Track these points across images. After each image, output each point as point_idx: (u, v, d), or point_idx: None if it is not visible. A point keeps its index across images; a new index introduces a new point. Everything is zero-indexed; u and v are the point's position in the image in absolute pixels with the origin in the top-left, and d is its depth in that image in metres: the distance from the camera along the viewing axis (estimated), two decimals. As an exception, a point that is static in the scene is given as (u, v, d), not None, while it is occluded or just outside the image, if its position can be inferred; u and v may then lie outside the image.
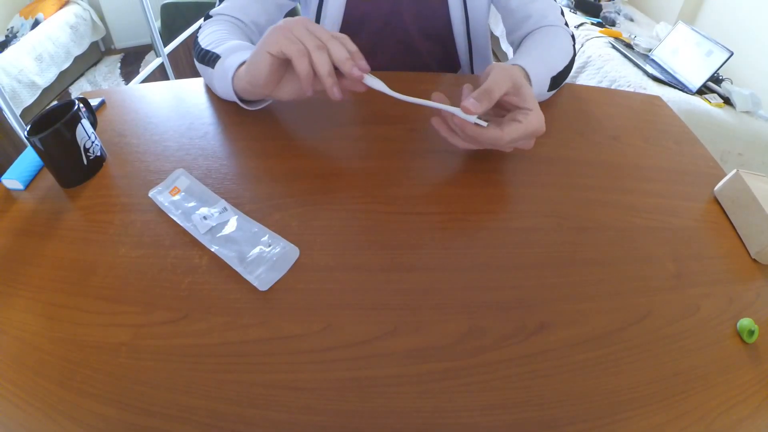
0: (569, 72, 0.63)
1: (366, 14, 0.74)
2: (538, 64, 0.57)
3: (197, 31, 0.65)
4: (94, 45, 2.56)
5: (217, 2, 0.67)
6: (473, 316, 0.38)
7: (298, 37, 0.45)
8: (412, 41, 0.78)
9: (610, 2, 2.54)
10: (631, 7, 2.63)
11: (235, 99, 0.55)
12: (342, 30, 0.75)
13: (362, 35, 0.77)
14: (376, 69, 0.72)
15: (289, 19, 0.47)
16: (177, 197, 0.47)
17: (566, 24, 0.69)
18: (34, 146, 0.46)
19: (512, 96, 0.47)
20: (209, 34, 0.61)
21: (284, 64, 0.48)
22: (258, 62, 0.48)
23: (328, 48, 0.45)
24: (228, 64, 0.53)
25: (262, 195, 0.47)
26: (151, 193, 0.47)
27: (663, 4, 2.47)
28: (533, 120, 0.46)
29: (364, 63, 0.46)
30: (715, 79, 1.86)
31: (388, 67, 0.77)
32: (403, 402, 0.33)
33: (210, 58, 0.57)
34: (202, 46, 0.59)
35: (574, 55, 0.65)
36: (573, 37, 0.68)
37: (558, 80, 0.60)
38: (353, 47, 0.46)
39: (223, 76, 0.54)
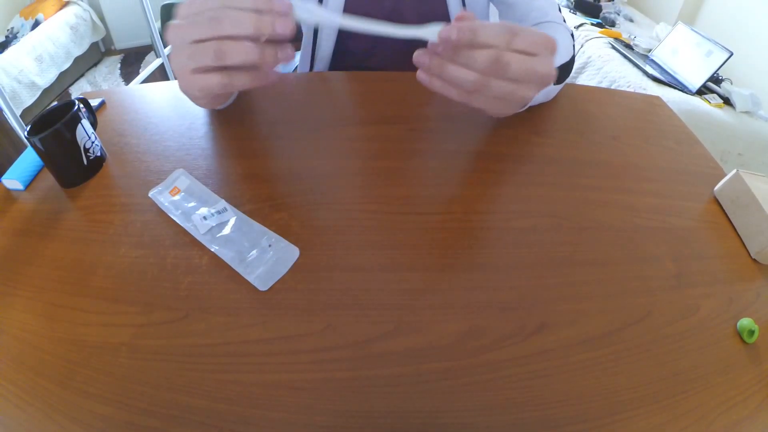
0: (571, 68, 0.62)
1: (366, 14, 0.74)
2: None
3: None
4: (94, 45, 2.57)
5: None
6: (473, 316, 0.38)
7: (192, 54, 0.36)
8: (412, 41, 0.78)
9: (609, 3, 2.55)
10: (631, 8, 2.63)
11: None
12: (341, 30, 0.74)
13: (362, 35, 0.77)
14: (375, 69, 0.72)
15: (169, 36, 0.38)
16: (177, 197, 0.47)
17: (565, 21, 0.69)
18: (34, 146, 0.46)
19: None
20: None
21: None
22: (193, 98, 0.46)
23: (227, 33, 0.34)
24: None
25: (262, 195, 0.47)
26: (151, 193, 0.47)
27: (663, 4, 2.47)
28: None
29: (277, 2, 0.35)
30: (715, 79, 1.86)
31: (388, 67, 0.77)
32: (403, 402, 0.33)
33: None
34: None
35: (574, 53, 0.65)
36: (573, 36, 0.67)
37: (564, 72, 0.58)
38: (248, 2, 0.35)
39: None
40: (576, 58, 0.67)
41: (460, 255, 0.43)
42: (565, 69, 0.59)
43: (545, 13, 0.68)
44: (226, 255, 0.41)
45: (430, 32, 0.37)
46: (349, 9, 0.72)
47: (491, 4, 0.78)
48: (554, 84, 0.57)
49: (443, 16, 0.75)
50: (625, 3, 2.67)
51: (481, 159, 0.53)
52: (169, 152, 0.53)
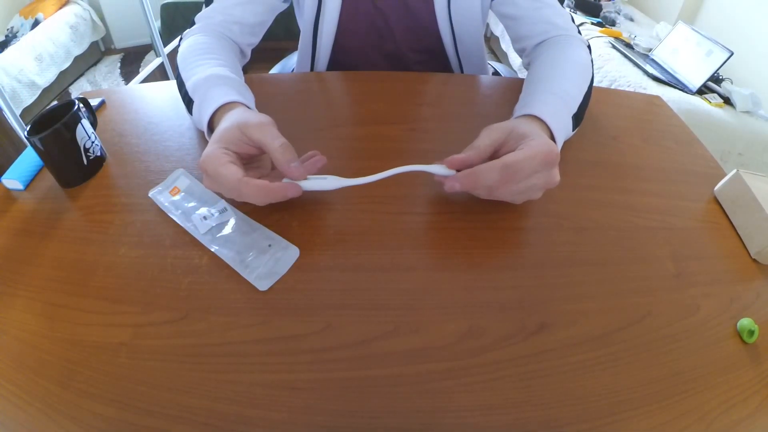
0: (590, 95, 0.56)
1: (357, 29, 0.73)
2: (556, 108, 0.50)
3: (179, 41, 0.61)
4: (94, 45, 2.57)
5: (204, 5, 0.64)
6: (473, 316, 0.38)
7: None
8: (402, 56, 0.77)
9: (610, 2, 2.54)
10: (631, 7, 2.62)
11: None
12: (334, 47, 0.74)
13: (355, 52, 0.77)
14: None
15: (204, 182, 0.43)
16: (177, 197, 0.47)
17: (579, 32, 0.64)
18: (34, 146, 0.46)
19: (509, 142, 0.43)
20: (186, 49, 0.57)
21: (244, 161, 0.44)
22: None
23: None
24: (203, 121, 0.49)
25: (262, 195, 0.47)
26: (151, 193, 0.47)
27: (663, 4, 2.47)
28: (536, 145, 0.40)
29: (288, 167, 0.41)
30: (715, 78, 1.86)
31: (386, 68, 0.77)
32: (403, 402, 0.33)
33: (185, 98, 0.53)
34: (179, 69, 0.56)
35: (593, 69, 0.59)
36: (588, 47, 0.62)
37: (579, 116, 0.53)
38: (275, 144, 0.42)
39: (200, 126, 0.51)
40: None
41: (460, 255, 0.43)
42: (582, 107, 0.54)
43: (554, 25, 0.63)
44: (226, 255, 0.41)
45: (435, 169, 0.44)
46: (342, 27, 0.72)
47: (492, 17, 0.74)
48: (574, 128, 0.53)
49: (433, 32, 0.73)
50: (626, 2, 2.67)
51: (481, 159, 0.53)
52: (169, 152, 0.53)
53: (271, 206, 0.46)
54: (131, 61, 2.68)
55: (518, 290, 0.40)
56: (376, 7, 0.71)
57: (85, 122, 0.49)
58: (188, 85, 0.52)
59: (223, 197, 0.46)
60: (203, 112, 0.49)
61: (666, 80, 1.83)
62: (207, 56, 0.55)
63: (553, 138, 0.48)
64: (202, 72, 0.52)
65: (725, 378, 0.36)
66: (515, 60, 2.36)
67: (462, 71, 0.78)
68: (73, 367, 0.34)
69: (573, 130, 0.53)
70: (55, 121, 0.45)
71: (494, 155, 0.44)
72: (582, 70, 0.57)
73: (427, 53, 0.78)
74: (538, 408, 0.33)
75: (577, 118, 0.53)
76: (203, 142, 0.54)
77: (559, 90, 0.52)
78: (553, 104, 0.50)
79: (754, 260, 0.45)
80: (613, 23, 2.37)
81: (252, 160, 0.45)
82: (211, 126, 0.49)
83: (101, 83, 2.48)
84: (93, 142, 0.50)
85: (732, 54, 1.74)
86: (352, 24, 0.72)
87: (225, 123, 0.44)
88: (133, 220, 0.45)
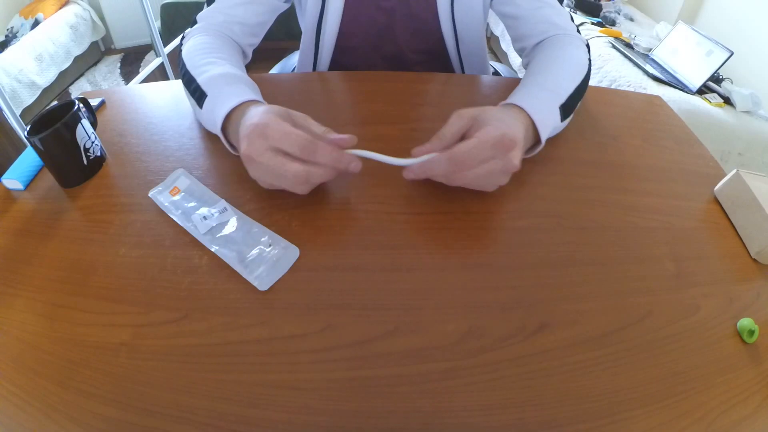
0: (585, 89, 0.57)
1: (360, 31, 0.73)
2: (540, 97, 0.51)
3: (182, 40, 0.61)
4: (94, 45, 2.57)
5: (205, 4, 0.64)
6: (473, 316, 0.38)
7: (279, 172, 0.41)
8: (404, 57, 0.77)
9: (610, 2, 2.54)
10: (631, 7, 2.62)
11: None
12: (337, 44, 0.73)
13: (356, 52, 0.77)
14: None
15: (251, 149, 0.42)
16: (177, 197, 0.47)
17: (578, 30, 0.65)
18: (34, 146, 0.46)
19: (474, 127, 0.44)
20: (192, 47, 0.57)
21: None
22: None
23: (314, 161, 0.41)
24: (217, 113, 0.48)
25: (262, 195, 0.47)
26: (151, 193, 0.47)
27: (663, 4, 2.47)
28: (487, 132, 0.42)
29: (340, 137, 0.43)
30: (716, 78, 1.86)
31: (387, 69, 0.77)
32: (403, 402, 0.33)
33: (195, 92, 0.52)
34: (186, 66, 0.55)
35: (590, 67, 0.59)
36: (587, 45, 0.62)
37: (570, 106, 0.54)
38: (320, 129, 0.44)
39: (211, 124, 0.50)
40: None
41: (460, 255, 0.43)
42: (574, 98, 0.54)
43: (554, 24, 0.64)
44: (226, 255, 0.41)
45: (395, 161, 0.45)
46: (344, 27, 0.72)
47: (493, 17, 0.74)
48: (563, 118, 0.53)
49: (435, 32, 0.73)
50: (626, 2, 2.67)
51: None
52: (169, 152, 0.53)
53: (271, 206, 0.46)
54: (131, 61, 2.68)
55: (518, 290, 0.40)
56: (380, 8, 0.71)
57: (85, 122, 0.49)
58: (201, 79, 0.51)
59: (222, 198, 0.46)
60: (223, 102, 0.48)
61: (666, 80, 1.83)
62: (216, 55, 0.56)
63: (534, 126, 0.49)
64: (217, 69, 0.52)
65: (725, 378, 0.36)
66: (515, 60, 2.36)
67: (463, 72, 0.78)
68: (73, 367, 0.34)
69: (563, 121, 0.54)
70: (55, 121, 0.45)
71: (462, 140, 0.45)
72: (575, 63, 0.58)
73: (428, 54, 0.78)
74: (538, 408, 0.33)
75: (567, 109, 0.53)
76: (203, 142, 0.54)
77: (545, 81, 0.54)
78: (537, 94, 0.51)
79: (754, 260, 0.45)
80: (613, 23, 2.37)
81: None
82: (227, 119, 0.48)
83: (101, 83, 2.48)
84: (93, 142, 0.50)
85: (732, 54, 1.74)
86: (354, 25, 0.72)
87: (261, 108, 0.44)
88: (133, 220, 0.45)
